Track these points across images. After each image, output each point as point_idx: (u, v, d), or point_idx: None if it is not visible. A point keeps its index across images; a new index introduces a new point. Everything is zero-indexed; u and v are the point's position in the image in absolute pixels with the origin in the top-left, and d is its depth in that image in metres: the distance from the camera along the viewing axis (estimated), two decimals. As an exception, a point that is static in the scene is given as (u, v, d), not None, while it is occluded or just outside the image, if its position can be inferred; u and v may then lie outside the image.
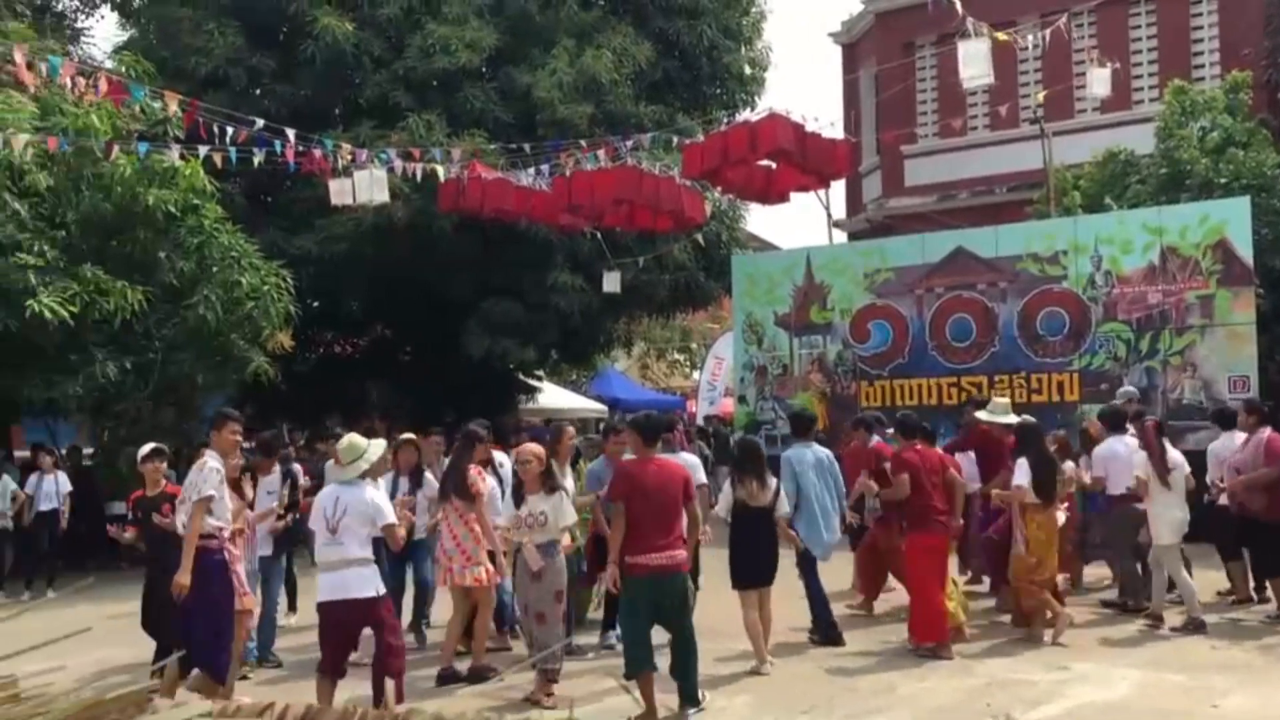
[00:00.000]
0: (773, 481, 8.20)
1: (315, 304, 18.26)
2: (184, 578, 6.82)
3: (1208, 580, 9.91)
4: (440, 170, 13.27)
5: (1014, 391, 13.84)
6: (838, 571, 9.66)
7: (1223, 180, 15.73)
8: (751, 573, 8.07)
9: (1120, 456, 9.50)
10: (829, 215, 23.58)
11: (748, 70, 20.93)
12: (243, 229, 14.70)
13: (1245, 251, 13.28)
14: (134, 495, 8.17)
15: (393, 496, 8.79)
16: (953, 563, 9.39)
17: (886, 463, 9.30)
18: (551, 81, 17.23)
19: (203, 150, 12.14)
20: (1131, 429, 9.66)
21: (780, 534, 8.31)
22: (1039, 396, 14.11)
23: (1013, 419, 10.01)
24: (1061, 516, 9.11)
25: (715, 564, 8.72)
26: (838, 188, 23.19)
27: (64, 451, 15.64)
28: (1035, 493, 8.79)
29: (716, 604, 8.64)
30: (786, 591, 8.73)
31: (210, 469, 7.07)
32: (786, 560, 8.51)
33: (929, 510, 8.50)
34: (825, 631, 8.83)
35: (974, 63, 10.32)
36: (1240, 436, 9.67)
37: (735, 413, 17.87)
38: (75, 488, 13.79)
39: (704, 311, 26.28)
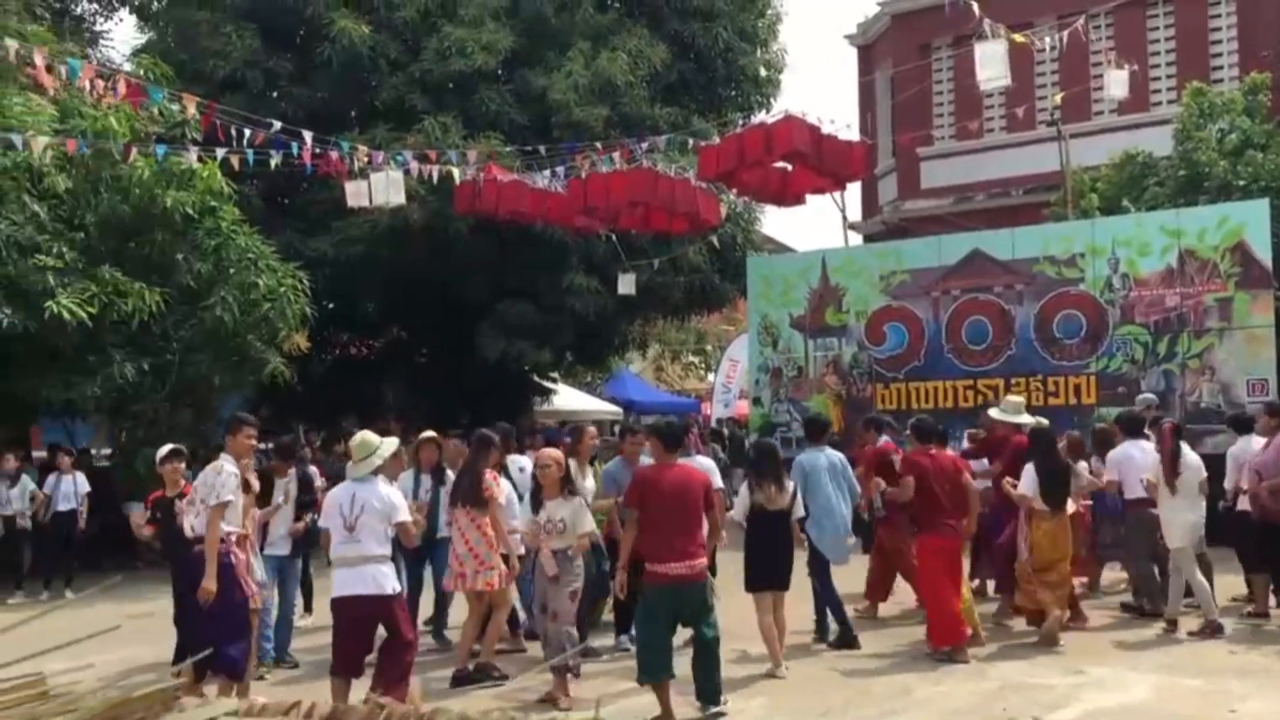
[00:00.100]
0: (790, 484, 8.20)
1: (331, 305, 18.32)
2: (210, 584, 6.89)
3: (1225, 585, 9.84)
4: (456, 172, 13.31)
5: (1030, 394, 13.77)
6: (850, 574, 9.63)
7: (1241, 182, 15.66)
8: (767, 576, 8.07)
9: (1135, 460, 9.46)
10: (844, 217, 23.52)
11: (763, 72, 20.91)
12: (260, 231, 14.76)
13: (1264, 254, 13.22)
14: (153, 495, 8.23)
15: (415, 495, 8.87)
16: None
17: (892, 459, 9.31)
18: (567, 84, 17.25)
19: (220, 152, 12.21)
20: (1152, 435, 9.61)
21: (794, 537, 8.31)
22: (1056, 399, 14.06)
23: (1025, 419, 9.97)
24: (1071, 505, 9.06)
25: (730, 567, 8.72)
26: (853, 190, 23.20)
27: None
28: (1043, 499, 8.75)
29: (731, 607, 8.63)
30: (803, 595, 8.73)
31: (227, 474, 7.12)
32: (799, 563, 8.50)
33: (936, 514, 8.48)
34: (842, 635, 8.81)
35: (991, 64, 10.29)
36: (1258, 441, 9.61)
37: (750, 415, 17.86)
38: (90, 488, 13.85)
39: (719, 314, 26.27)
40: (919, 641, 8.69)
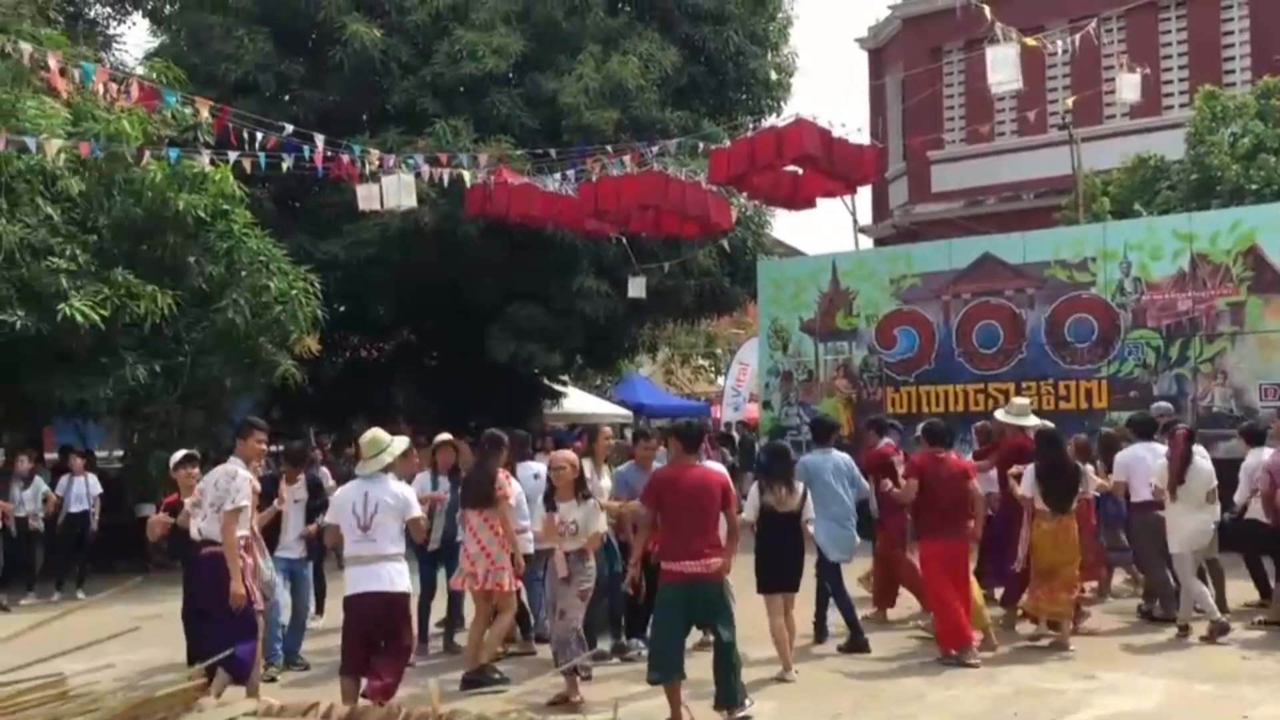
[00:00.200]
0: (799, 486, 8.20)
1: (342, 308, 18.38)
2: (238, 587, 6.92)
3: (1236, 590, 9.81)
4: (467, 176, 13.35)
5: (1041, 398, 13.74)
6: (850, 574, 9.58)
7: (1254, 186, 15.63)
8: (777, 578, 8.07)
9: (1145, 463, 9.40)
10: (855, 221, 23.49)
11: (774, 76, 20.93)
12: (271, 234, 14.81)
13: (1276, 258, 13.14)
14: (167, 500, 8.25)
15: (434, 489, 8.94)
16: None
17: (892, 461, 9.32)
18: (578, 87, 17.28)
19: (232, 156, 12.27)
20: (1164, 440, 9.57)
21: (804, 539, 8.31)
22: (1067, 404, 14.01)
23: (1031, 422, 9.93)
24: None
25: (740, 570, 8.69)
26: (864, 193, 23.12)
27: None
28: (1044, 500, 8.73)
29: (740, 610, 8.60)
30: (805, 597, 8.71)
31: (242, 478, 7.15)
32: (808, 565, 8.50)
33: (937, 517, 8.46)
34: (852, 638, 8.80)
35: (1002, 68, 10.28)
36: (1268, 452, 9.56)
37: (760, 418, 17.86)
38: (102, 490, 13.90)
39: (729, 317, 26.28)
40: (928, 645, 8.66)
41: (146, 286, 13.03)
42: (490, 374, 19.17)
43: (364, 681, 6.78)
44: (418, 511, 7.01)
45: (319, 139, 12.01)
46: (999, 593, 9.95)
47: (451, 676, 8.03)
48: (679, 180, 12.79)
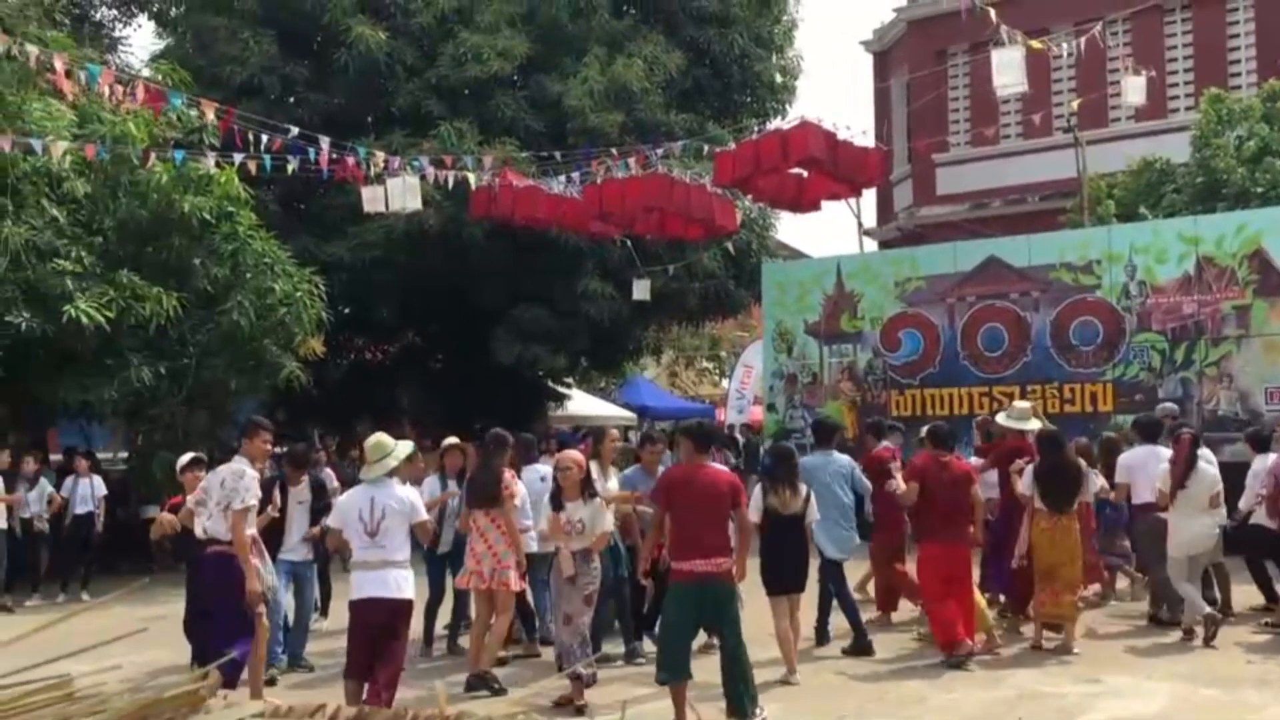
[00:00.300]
0: (803, 488, 8.19)
1: (347, 310, 18.39)
2: (253, 584, 6.94)
3: (1242, 594, 9.80)
4: (472, 178, 13.36)
5: (1046, 402, 13.72)
6: (852, 574, 9.58)
7: (1259, 189, 15.61)
8: (782, 580, 8.07)
9: (1147, 466, 9.39)
10: (860, 224, 23.50)
11: (779, 78, 20.93)
12: (276, 236, 14.84)
13: (1282, 261, 13.15)
14: (173, 501, 8.27)
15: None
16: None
17: (889, 465, 9.31)
18: (583, 89, 17.30)
19: (237, 158, 12.28)
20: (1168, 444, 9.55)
21: (808, 541, 8.31)
22: (1072, 407, 14.00)
23: (1032, 425, 9.92)
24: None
25: (748, 573, 8.69)
26: (869, 196, 23.14)
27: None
28: (1042, 499, 8.72)
29: (744, 612, 8.61)
30: (807, 599, 8.69)
31: (249, 477, 7.17)
32: (813, 568, 8.50)
33: (936, 520, 8.45)
34: (856, 640, 8.80)
35: (1007, 71, 10.26)
36: (1273, 457, 9.53)
37: (764, 421, 17.85)
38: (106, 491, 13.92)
39: (733, 319, 26.28)
40: (931, 648, 8.65)
41: (152, 288, 13.05)
42: (495, 376, 19.18)
43: (367, 686, 6.78)
44: (424, 515, 7.02)
45: (324, 141, 12.02)
46: (1001, 597, 9.95)
47: (456, 679, 8.04)
48: (684, 183, 12.78)
